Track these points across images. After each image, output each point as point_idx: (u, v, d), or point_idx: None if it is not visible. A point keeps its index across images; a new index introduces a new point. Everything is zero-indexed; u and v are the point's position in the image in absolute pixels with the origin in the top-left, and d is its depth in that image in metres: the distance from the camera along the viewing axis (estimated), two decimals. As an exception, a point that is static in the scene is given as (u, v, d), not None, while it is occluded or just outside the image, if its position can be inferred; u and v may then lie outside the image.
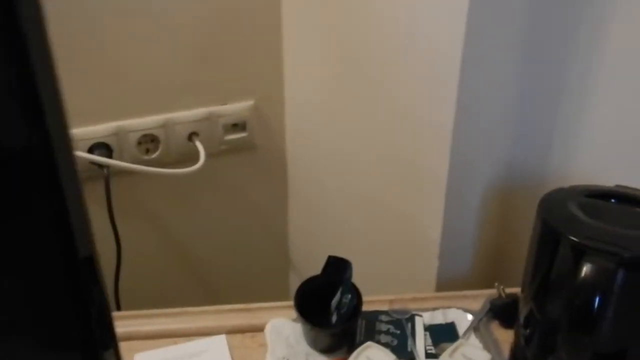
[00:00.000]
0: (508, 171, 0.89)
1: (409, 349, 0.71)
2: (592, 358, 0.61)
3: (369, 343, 0.64)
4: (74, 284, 0.54)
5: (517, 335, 0.70)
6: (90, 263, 0.59)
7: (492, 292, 0.80)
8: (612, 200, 0.65)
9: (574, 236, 0.58)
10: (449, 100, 0.77)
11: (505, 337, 0.74)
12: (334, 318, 0.71)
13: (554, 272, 0.61)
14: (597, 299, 0.57)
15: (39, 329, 0.46)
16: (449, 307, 0.78)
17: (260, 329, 0.75)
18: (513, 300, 0.74)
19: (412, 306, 0.79)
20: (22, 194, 0.48)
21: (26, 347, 0.46)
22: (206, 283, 1.12)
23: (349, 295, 0.70)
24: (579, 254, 0.57)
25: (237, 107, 1.01)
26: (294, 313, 0.72)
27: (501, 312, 0.76)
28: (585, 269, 0.56)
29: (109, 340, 0.49)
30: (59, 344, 0.46)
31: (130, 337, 0.73)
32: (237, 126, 1.03)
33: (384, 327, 0.74)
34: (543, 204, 0.65)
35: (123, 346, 0.74)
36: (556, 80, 0.81)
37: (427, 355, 0.70)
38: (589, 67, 0.79)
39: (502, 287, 0.78)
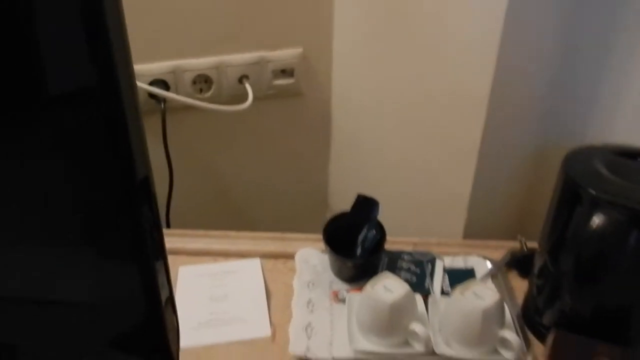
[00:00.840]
0: (543, 135, 0.92)
1: (426, 287, 0.77)
2: (596, 308, 0.66)
3: (386, 273, 0.71)
4: (131, 201, 0.62)
5: (530, 285, 0.75)
6: (146, 184, 0.68)
7: (514, 244, 0.85)
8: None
9: (591, 189, 0.61)
10: (489, 63, 0.80)
11: (521, 286, 0.79)
12: (359, 251, 0.78)
13: (570, 226, 0.65)
14: (604, 251, 0.61)
15: (100, 240, 0.53)
16: (470, 254, 0.84)
17: (292, 256, 0.83)
18: (532, 253, 0.78)
19: (435, 250, 0.85)
20: (91, 121, 0.57)
21: (88, 257, 0.53)
22: (247, 215, 1.21)
23: (374, 232, 0.77)
24: (593, 207, 0.61)
25: (286, 54, 1.07)
26: (323, 245, 0.80)
27: (520, 263, 0.82)
28: (597, 221, 0.60)
29: (159, 252, 0.56)
30: (116, 254, 0.53)
31: (176, 252, 0.83)
32: (285, 72, 1.09)
33: (405, 265, 0.81)
34: (568, 158, 0.69)
35: (170, 259, 0.84)
36: (596, 48, 0.83)
37: (442, 293, 0.77)
38: (634, 37, 0.80)
39: (524, 239, 0.83)
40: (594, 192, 0.61)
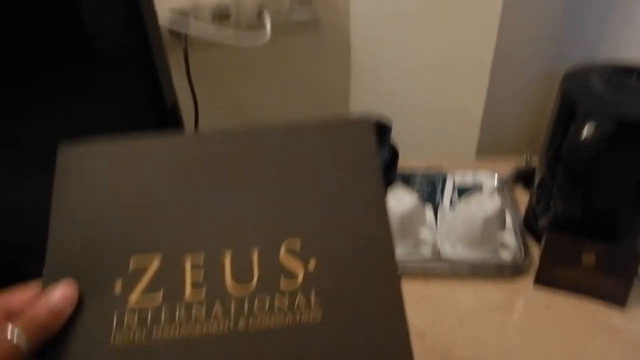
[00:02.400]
0: (554, 54, 0.98)
1: (436, 200, 0.87)
2: (585, 211, 0.75)
3: (398, 186, 0.81)
4: (161, 128, 0.71)
5: (531, 197, 0.85)
6: (174, 112, 0.78)
7: (522, 160, 0.93)
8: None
9: (584, 103, 0.69)
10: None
11: (525, 199, 0.88)
12: (374, 170, 0.87)
13: (565, 139, 0.73)
14: (593, 159, 0.70)
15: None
16: (479, 170, 0.93)
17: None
18: (535, 168, 0.87)
19: (446, 168, 0.94)
20: (123, 56, 0.66)
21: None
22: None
23: (388, 151, 0.86)
24: (585, 118, 0.69)
25: (304, -17, 1.14)
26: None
27: (525, 177, 0.91)
28: (587, 131, 0.68)
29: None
30: None
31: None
32: (304, 2, 1.16)
33: (418, 182, 0.91)
34: (566, 76, 0.76)
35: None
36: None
37: (450, 205, 0.87)
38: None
39: (529, 154, 0.91)
40: (585, 106, 0.69)
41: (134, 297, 0.39)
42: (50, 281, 0.39)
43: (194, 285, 0.39)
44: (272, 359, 0.38)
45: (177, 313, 0.39)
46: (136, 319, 0.38)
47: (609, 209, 0.74)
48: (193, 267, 0.40)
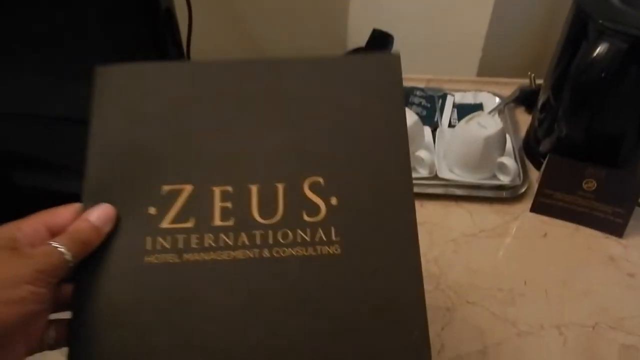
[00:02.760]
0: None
1: (435, 120, 0.84)
2: (589, 135, 0.73)
3: (397, 104, 0.77)
4: (155, 31, 0.66)
5: (533, 118, 0.82)
6: (169, 14, 0.72)
7: (525, 81, 0.90)
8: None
9: (598, 17, 0.65)
10: None
11: (526, 121, 0.85)
12: (372, 85, 0.83)
13: (574, 58, 0.69)
14: (603, 77, 0.66)
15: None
16: (480, 91, 0.89)
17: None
18: (539, 89, 0.83)
19: (447, 87, 0.90)
20: None
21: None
22: (264, 51, 1.26)
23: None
24: (598, 35, 0.65)
25: None
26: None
27: (528, 98, 0.87)
28: (599, 48, 0.64)
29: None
30: None
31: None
32: None
33: (417, 100, 0.87)
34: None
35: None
36: None
37: (450, 125, 0.84)
38: None
39: (533, 75, 0.87)
40: (600, 21, 0.65)
41: (166, 221, 0.42)
42: (90, 204, 0.41)
43: (223, 214, 0.42)
44: (294, 285, 0.40)
45: (205, 238, 0.41)
46: (168, 242, 0.41)
47: (614, 134, 0.72)
48: (222, 198, 0.42)
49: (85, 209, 0.41)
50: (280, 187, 0.42)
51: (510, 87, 0.91)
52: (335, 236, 0.41)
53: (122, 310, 0.40)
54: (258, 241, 0.41)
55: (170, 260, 0.41)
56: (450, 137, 0.79)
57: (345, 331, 0.39)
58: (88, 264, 0.40)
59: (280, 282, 0.40)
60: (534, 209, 0.74)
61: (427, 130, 0.81)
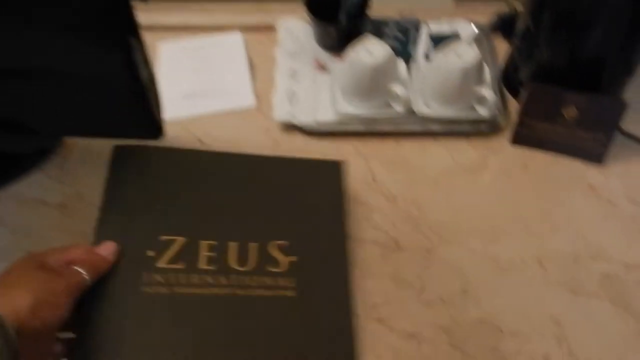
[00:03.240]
0: None
1: (409, 52, 0.80)
2: (570, 60, 0.70)
3: (368, 36, 0.73)
4: None
5: (512, 46, 0.78)
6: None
7: (502, 6, 0.85)
8: None
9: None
10: None
11: (505, 49, 0.82)
12: (342, 17, 0.79)
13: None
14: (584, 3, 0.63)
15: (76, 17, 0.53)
16: (456, 18, 0.85)
17: (274, 28, 0.84)
18: (518, 13, 0.79)
19: (421, 16, 0.86)
20: None
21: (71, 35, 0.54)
22: None
23: (356, -4, 0.78)
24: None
25: None
26: (306, 16, 0.80)
27: (506, 25, 0.83)
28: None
29: (133, 28, 0.56)
30: (89, 34, 0.53)
31: (154, 28, 0.84)
32: None
33: (390, 32, 0.83)
34: None
35: (148, 35, 0.84)
36: None
37: (425, 58, 0.80)
38: None
39: (513, 2, 0.83)
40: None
41: (162, 262, 0.54)
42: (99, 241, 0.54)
43: (207, 261, 0.55)
44: (258, 317, 0.53)
45: (192, 277, 0.54)
46: (162, 278, 0.53)
47: (596, 57, 0.69)
48: (207, 249, 0.56)
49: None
50: (253, 246, 0.57)
51: (488, 14, 0.86)
52: (292, 284, 0.55)
53: (118, 329, 0.50)
54: (233, 282, 0.54)
55: (162, 293, 0.52)
56: (425, 70, 0.76)
57: (290, 349, 0.53)
58: (95, 291, 0.51)
59: (248, 314, 0.53)
60: (514, 140, 0.72)
61: (402, 63, 0.77)
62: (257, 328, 0.52)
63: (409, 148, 0.73)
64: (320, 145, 0.74)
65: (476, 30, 0.84)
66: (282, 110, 0.75)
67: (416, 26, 0.84)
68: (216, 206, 0.59)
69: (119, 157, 0.59)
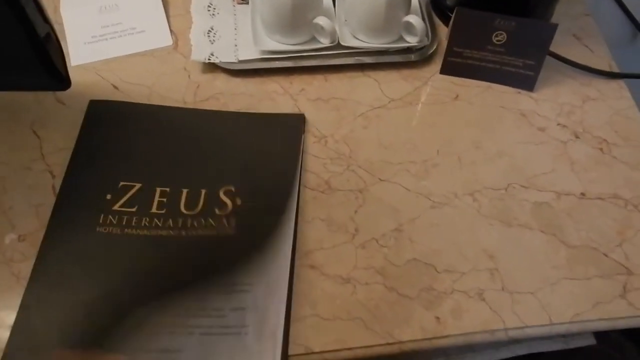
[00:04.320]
0: None
1: (334, -21, 0.74)
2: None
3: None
4: None
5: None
6: None
7: None
8: None
9: None
10: None
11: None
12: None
13: None
14: None
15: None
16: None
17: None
18: None
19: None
20: None
21: None
22: None
23: None
24: None
25: None
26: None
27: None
28: None
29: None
30: None
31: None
32: None
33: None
34: None
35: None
36: None
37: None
38: None
39: None
40: None
41: (117, 205, 0.57)
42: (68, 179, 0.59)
43: (159, 205, 0.58)
44: (202, 254, 0.55)
45: (143, 220, 0.57)
46: (116, 219, 0.57)
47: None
48: (160, 195, 0.59)
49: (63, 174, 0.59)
50: (203, 192, 0.59)
51: None
52: (234, 224, 0.57)
53: (72, 263, 0.54)
54: (180, 225, 0.57)
55: (115, 233, 0.55)
56: (351, 0, 0.70)
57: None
58: (56, 225, 0.56)
59: (189, 252, 0.55)
60: (444, 70, 0.68)
61: (326, -7, 0.71)
62: (195, 266, 0.55)
63: (338, 83, 0.68)
64: (244, 84, 0.67)
65: (404, -47, 0.78)
66: (200, 51, 0.68)
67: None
68: (175, 157, 0.62)
69: (92, 111, 0.64)
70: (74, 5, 0.72)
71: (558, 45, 0.69)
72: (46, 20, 0.52)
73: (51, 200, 0.57)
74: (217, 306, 0.52)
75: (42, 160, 0.60)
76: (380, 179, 0.61)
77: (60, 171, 0.59)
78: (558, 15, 0.74)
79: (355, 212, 0.59)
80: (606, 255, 0.57)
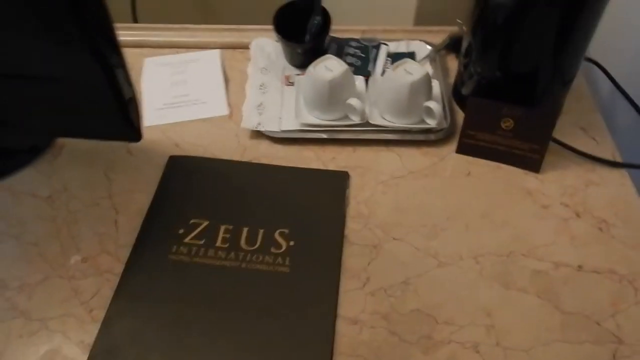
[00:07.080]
0: None
1: (368, 69, 0.81)
2: (504, 74, 0.70)
3: (328, 55, 0.74)
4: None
5: (459, 63, 0.79)
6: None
7: (456, 29, 0.86)
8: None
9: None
10: None
11: (457, 67, 0.82)
12: (307, 38, 0.80)
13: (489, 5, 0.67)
14: (509, 19, 0.64)
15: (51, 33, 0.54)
16: (413, 40, 0.86)
17: (248, 46, 0.85)
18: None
19: (381, 37, 0.87)
20: None
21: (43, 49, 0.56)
22: (208, 9, 1.20)
23: (319, 17, 0.78)
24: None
25: None
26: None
27: (456, 45, 0.84)
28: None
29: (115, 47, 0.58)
30: (71, 50, 0.55)
31: (141, 45, 0.85)
32: None
33: (352, 51, 0.83)
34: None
35: (135, 52, 0.85)
36: None
37: (382, 74, 0.81)
38: None
39: (461, 22, 0.84)
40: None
41: (188, 238, 0.65)
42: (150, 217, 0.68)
43: (223, 240, 0.65)
44: (256, 287, 0.61)
45: (209, 251, 0.64)
46: (186, 249, 0.64)
47: (527, 72, 0.69)
48: (224, 231, 0.65)
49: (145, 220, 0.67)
50: (261, 231, 0.65)
51: (443, 35, 0.87)
52: (288, 263, 0.62)
53: (147, 286, 0.61)
54: (240, 258, 0.63)
55: (185, 260, 0.63)
56: (380, 84, 0.77)
57: (278, 317, 0.59)
58: (137, 253, 0.63)
59: (248, 283, 0.61)
60: (459, 149, 0.73)
61: (360, 79, 0.78)
62: (254, 295, 0.60)
63: (365, 154, 0.73)
64: (284, 150, 0.74)
65: (430, 50, 0.85)
66: (250, 120, 0.76)
67: (376, 46, 0.85)
68: (236, 201, 0.69)
69: (170, 164, 0.73)
70: (152, 79, 0.82)
71: (566, 135, 0.74)
72: (131, 86, 0.61)
73: (113, 230, 0.64)
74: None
75: (109, 199, 0.68)
76: (393, 238, 0.64)
77: (123, 208, 0.67)
78: (569, 110, 0.78)
79: (369, 263, 0.62)
80: (598, 324, 0.57)
